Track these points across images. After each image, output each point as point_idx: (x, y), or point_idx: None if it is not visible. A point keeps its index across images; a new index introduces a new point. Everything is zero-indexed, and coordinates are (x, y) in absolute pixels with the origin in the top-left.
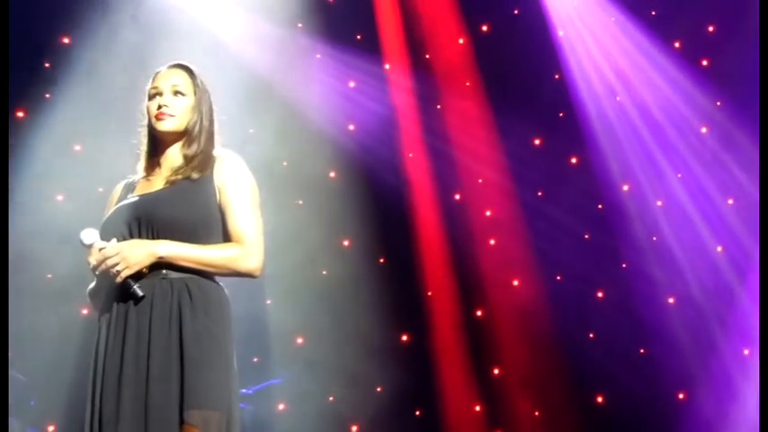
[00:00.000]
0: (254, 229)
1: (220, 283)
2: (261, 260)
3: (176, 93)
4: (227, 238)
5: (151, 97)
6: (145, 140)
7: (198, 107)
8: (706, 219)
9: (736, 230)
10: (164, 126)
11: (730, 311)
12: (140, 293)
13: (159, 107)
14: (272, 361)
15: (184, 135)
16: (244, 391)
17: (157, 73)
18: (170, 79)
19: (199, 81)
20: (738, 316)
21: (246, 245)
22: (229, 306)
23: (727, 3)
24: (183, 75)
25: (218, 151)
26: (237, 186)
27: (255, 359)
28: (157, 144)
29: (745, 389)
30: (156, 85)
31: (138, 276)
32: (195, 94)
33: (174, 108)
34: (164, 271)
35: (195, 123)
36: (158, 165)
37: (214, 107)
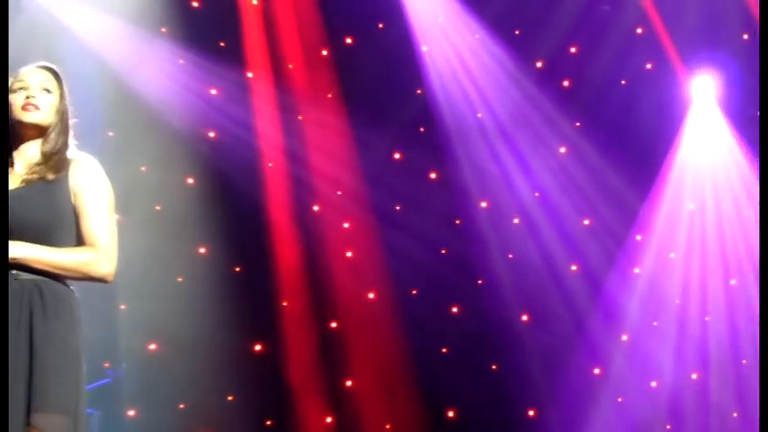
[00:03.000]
0: (107, 233)
1: (71, 286)
2: (113, 265)
3: (44, 89)
4: (80, 241)
5: (15, 91)
6: None
7: (60, 107)
8: (561, 238)
9: (590, 250)
10: (30, 117)
11: (582, 330)
12: None
13: (27, 97)
14: (123, 366)
15: (44, 133)
16: None
17: (22, 70)
18: (38, 76)
19: (63, 83)
20: (590, 335)
21: (100, 249)
22: (80, 310)
23: (590, 24)
24: (50, 75)
25: (74, 154)
26: (92, 190)
27: (107, 364)
28: (14, 141)
29: (594, 407)
30: (22, 79)
31: None
32: (60, 95)
33: (42, 102)
34: (14, 271)
35: (57, 123)
36: (12, 164)
37: (72, 109)
